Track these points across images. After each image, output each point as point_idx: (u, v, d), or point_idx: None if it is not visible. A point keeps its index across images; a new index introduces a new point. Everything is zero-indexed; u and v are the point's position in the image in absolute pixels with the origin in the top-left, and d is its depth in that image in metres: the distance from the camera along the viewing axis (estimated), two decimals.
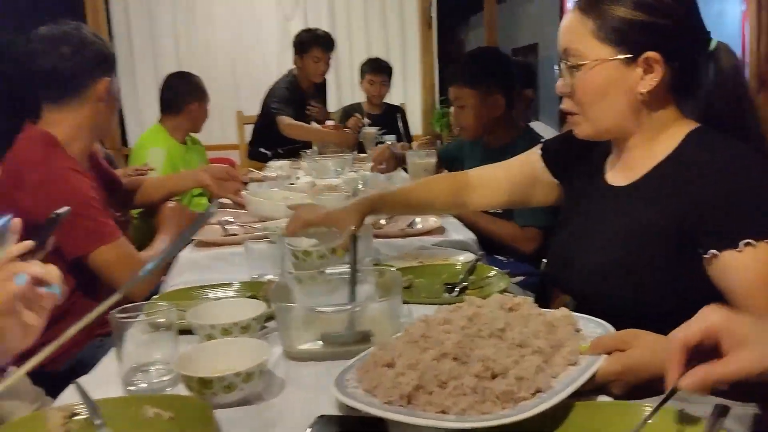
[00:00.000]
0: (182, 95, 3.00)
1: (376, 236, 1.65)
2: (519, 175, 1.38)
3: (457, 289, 1.29)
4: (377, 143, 3.86)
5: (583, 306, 1.05)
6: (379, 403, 0.77)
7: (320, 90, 4.21)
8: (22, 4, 3.68)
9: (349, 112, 4.18)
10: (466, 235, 1.74)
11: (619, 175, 1.15)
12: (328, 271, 1.23)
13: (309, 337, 1.04)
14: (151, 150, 2.88)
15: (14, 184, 1.48)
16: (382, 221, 1.86)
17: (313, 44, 3.84)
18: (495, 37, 4.73)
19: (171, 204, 1.89)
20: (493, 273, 1.36)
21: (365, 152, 3.74)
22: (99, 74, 1.60)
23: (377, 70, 4.15)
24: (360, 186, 2.59)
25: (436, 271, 1.41)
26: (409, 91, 4.73)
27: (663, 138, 1.08)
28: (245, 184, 2.30)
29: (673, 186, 1.01)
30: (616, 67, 1.04)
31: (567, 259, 1.15)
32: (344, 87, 5.39)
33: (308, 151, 3.66)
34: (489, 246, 1.90)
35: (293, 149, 3.77)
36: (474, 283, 1.33)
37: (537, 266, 2.02)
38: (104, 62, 1.61)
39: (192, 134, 3.18)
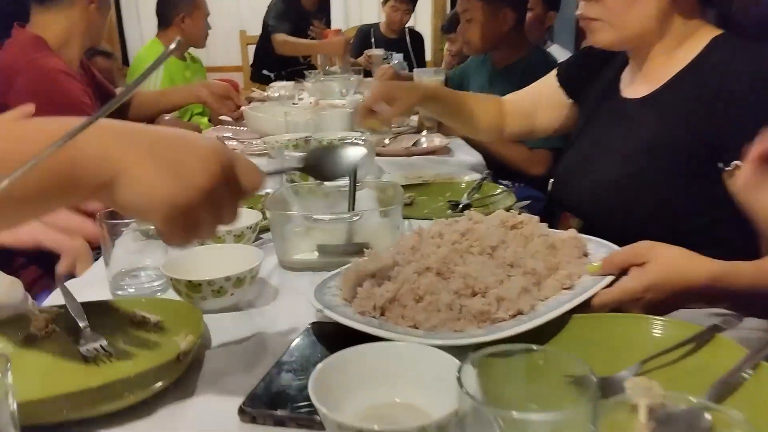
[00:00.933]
0: (172, 8, 2.87)
1: (379, 154, 1.60)
2: (545, 100, 1.33)
3: (461, 205, 1.24)
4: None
5: (591, 228, 0.99)
6: (351, 313, 0.74)
7: (323, 5, 4.03)
8: None
9: (365, 32, 4.04)
10: (473, 156, 1.68)
11: (636, 87, 1.09)
12: (326, 183, 1.18)
13: (305, 247, 1.00)
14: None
15: (3, 88, 1.42)
16: (386, 140, 1.80)
17: None
18: None
19: (168, 117, 1.81)
20: (499, 191, 1.31)
21: (371, 75, 3.66)
22: None
23: None
24: None
25: (440, 189, 1.36)
26: (419, 15, 4.52)
27: (685, 46, 1.02)
28: (249, 102, 2.21)
29: (695, 93, 0.96)
30: None
31: (576, 177, 1.10)
32: (353, 3, 5.16)
33: (312, 72, 3.58)
34: (495, 170, 1.83)
35: (297, 71, 3.66)
36: (479, 201, 1.28)
37: (544, 191, 1.96)
38: None
39: (192, 52, 3.07)
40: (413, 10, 4.05)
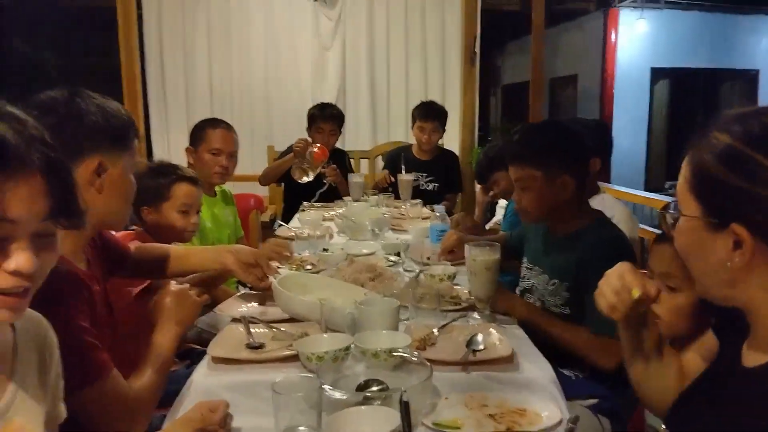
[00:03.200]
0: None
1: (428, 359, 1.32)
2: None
3: None
4: (414, 188, 3.64)
5: None
6: None
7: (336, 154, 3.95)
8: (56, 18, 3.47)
9: (395, 156, 3.92)
10: (541, 368, 1.40)
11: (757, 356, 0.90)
12: None
13: None
14: None
15: None
16: (435, 333, 1.54)
17: (318, 118, 3.81)
18: (541, 68, 4.44)
19: (174, 287, 1.51)
20: None
21: (399, 197, 3.63)
22: (88, 152, 1.26)
23: (427, 116, 3.81)
24: (402, 256, 2.32)
25: None
26: (448, 131, 4.40)
27: None
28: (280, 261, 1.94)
29: None
30: None
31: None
32: (380, 124, 5.07)
33: (344, 201, 3.41)
34: (556, 356, 1.57)
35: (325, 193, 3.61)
36: None
37: (612, 387, 1.67)
38: (97, 137, 1.27)
39: (222, 186, 2.89)
40: (443, 129, 3.91)
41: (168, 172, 2.17)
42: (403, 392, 1.00)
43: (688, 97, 9.33)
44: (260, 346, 1.49)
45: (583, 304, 1.70)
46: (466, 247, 1.72)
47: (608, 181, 3.97)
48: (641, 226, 2.91)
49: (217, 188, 2.82)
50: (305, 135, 3.76)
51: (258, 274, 1.78)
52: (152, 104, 4.82)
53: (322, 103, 3.98)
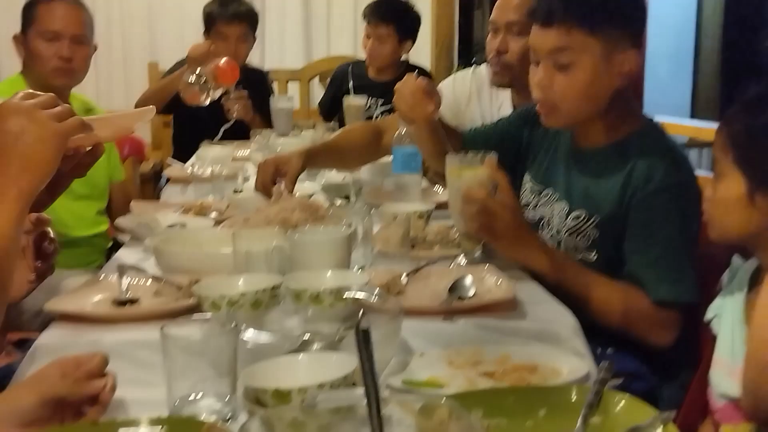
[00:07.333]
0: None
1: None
2: None
3: None
4: (367, 118, 3.66)
5: None
6: None
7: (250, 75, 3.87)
8: None
9: (341, 73, 3.92)
10: (560, 316, 1.41)
11: None
12: (321, 403, 0.91)
13: None
14: None
15: None
16: (403, 278, 1.54)
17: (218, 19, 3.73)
18: None
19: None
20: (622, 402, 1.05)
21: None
22: None
23: (379, 16, 3.78)
24: (352, 200, 2.32)
25: (530, 398, 1.07)
26: (419, 48, 4.33)
27: None
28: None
29: None
30: None
31: None
32: (317, 32, 5.04)
33: (260, 132, 3.38)
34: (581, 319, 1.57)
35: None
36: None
37: (648, 362, 1.72)
38: None
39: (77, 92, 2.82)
40: (407, 38, 3.88)
41: None
42: (361, 317, 0.97)
43: None
44: (132, 301, 1.50)
45: (619, 250, 1.71)
46: (449, 157, 1.71)
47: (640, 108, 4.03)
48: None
49: (73, 100, 2.71)
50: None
51: None
52: None
53: None
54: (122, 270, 1.58)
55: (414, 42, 3.94)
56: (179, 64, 3.64)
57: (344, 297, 1.28)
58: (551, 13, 1.70)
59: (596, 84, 1.70)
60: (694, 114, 6.42)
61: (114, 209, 2.87)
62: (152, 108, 1.30)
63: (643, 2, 1.85)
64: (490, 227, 1.60)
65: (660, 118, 3.54)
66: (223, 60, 3.28)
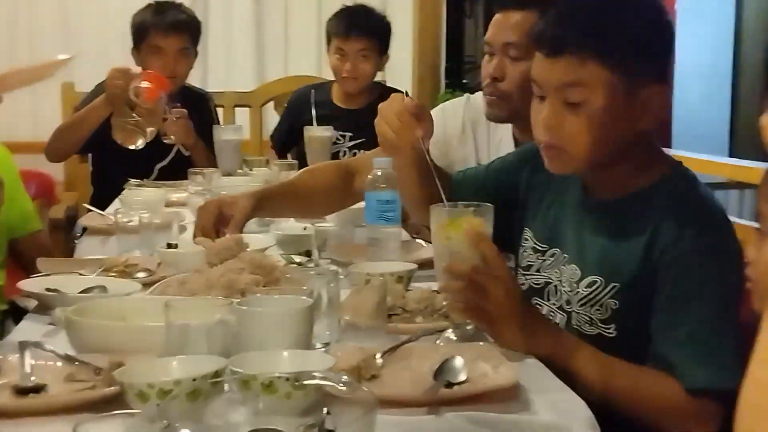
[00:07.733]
0: None
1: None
2: None
3: None
4: (333, 155, 3.74)
5: None
6: None
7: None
8: None
9: (301, 98, 3.99)
10: (572, 407, 1.43)
11: None
12: None
13: None
14: None
15: None
16: (378, 359, 1.55)
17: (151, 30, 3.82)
18: None
19: None
20: None
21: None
22: None
23: (350, 30, 3.85)
24: (315, 256, 2.35)
25: None
26: (396, 66, 4.44)
27: None
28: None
29: None
30: None
31: None
32: (271, 48, 5.12)
33: (205, 176, 3.40)
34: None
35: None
36: None
37: None
38: None
39: None
40: (382, 54, 3.98)
41: None
42: (327, 414, 0.98)
43: None
44: (38, 389, 1.49)
45: (644, 324, 1.73)
46: (434, 209, 1.73)
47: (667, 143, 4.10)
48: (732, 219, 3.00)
49: None
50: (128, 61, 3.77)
51: None
52: None
53: (159, 2, 3.93)
54: (24, 347, 1.58)
55: (387, 57, 4.02)
56: (100, 87, 3.67)
57: (304, 384, 1.29)
58: (561, 40, 1.73)
59: (614, 126, 1.74)
60: (733, 150, 6.53)
61: (29, 267, 2.86)
62: (73, 56, 1.40)
63: (671, 28, 1.89)
64: (478, 308, 1.63)
65: (691, 156, 3.63)
66: (147, 75, 3.34)
